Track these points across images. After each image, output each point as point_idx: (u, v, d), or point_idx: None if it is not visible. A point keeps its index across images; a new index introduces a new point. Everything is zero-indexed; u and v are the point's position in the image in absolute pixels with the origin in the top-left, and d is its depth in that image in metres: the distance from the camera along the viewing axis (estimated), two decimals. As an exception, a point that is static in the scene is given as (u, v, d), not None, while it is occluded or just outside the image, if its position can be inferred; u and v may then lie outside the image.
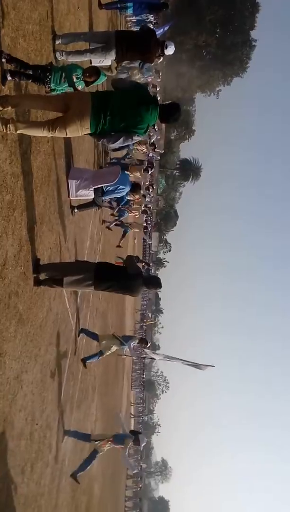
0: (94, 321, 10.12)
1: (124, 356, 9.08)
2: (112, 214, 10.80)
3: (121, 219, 10.83)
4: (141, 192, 10.55)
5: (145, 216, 12.09)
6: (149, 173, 12.34)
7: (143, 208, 11.94)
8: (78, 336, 7.51)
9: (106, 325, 13.63)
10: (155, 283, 5.12)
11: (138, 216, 11.62)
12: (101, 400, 11.95)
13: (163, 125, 55.80)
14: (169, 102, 3.95)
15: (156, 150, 14.22)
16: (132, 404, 33.04)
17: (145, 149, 11.95)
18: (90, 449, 7.39)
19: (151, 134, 12.78)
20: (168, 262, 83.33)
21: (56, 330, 5.73)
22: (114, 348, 8.10)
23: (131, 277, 4.90)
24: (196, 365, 11.57)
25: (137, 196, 9.39)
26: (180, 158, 71.53)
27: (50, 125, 3.54)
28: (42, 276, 4.63)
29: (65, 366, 6.59)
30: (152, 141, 12.94)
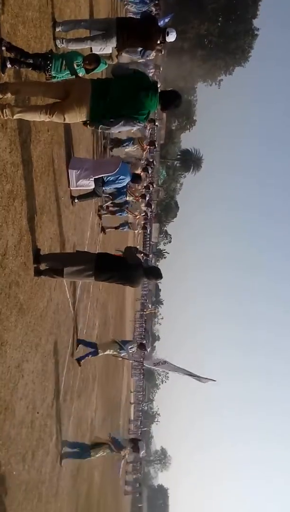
0: (94, 312, 10.15)
1: (120, 358, 8.87)
2: (110, 206, 10.48)
3: (118, 214, 10.47)
4: (142, 187, 10.35)
5: (145, 209, 11.66)
6: (150, 172, 12.06)
7: (143, 210, 11.56)
8: (76, 348, 7.41)
9: (107, 315, 13.68)
10: (156, 273, 5.12)
11: (138, 217, 11.16)
12: (101, 390, 12.04)
13: (164, 115, 55.39)
14: (170, 89, 3.91)
15: (155, 146, 13.88)
16: (132, 392, 33.32)
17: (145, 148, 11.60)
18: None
19: (150, 130, 12.54)
20: (168, 253, 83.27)
21: (56, 320, 5.75)
22: (111, 352, 8.11)
23: (132, 268, 4.89)
24: (198, 378, 11.66)
25: (139, 187, 9.33)
26: (181, 149, 71.05)
27: (48, 109, 3.50)
28: (43, 266, 4.63)
29: (65, 355, 6.62)
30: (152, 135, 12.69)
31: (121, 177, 6.89)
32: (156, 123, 12.98)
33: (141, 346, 8.81)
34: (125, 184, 7.50)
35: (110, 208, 10.26)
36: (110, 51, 7.44)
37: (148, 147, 11.19)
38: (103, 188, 6.92)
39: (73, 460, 6.99)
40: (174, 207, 75.31)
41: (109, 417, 15.03)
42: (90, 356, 7.84)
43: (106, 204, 10.02)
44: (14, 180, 3.81)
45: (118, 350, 8.00)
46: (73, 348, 7.28)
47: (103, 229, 10.31)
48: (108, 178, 6.78)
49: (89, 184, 6.39)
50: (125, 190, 8.68)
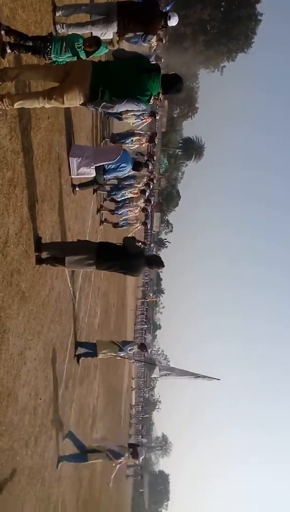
0: (96, 301, 10.19)
1: (119, 358, 8.52)
2: (111, 211, 10.16)
3: (122, 219, 10.21)
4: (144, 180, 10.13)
5: (144, 205, 11.29)
6: (149, 168, 11.61)
7: (142, 207, 11.20)
8: (76, 350, 7.26)
9: (108, 304, 13.74)
10: (158, 262, 5.13)
11: (138, 214, 10.79)
12: (103, 377, 12.15)
13: (166, 102, 54.77)
14: (171, 73, 3.84)
15: (155, 143, 13.30)
16: (133, 378, 33.70)
17: (145, 143, 11.27)
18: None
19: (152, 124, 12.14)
20: (169, 242, 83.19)
21: (58, 309, 5.78)
22: (110, 354, 7.84)
23: (133, 257, 4.89)
24: (203, 378, 11.73)
25: (141, 175, 9.20)
26: (182, 137, 70.48)
27: (47, 93, 3.44)
28: (44, 255, 4.63)
29: (67, 343, 6.67)
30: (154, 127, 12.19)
31: (123, 165, 6.84)
32: (157, 116, 12.53)
33: (142, 347, 8.35)
34: (126, 172, 7.44)
35: (110, 208, 10.13)
36: (111, 37, 7.32)
37: (147, 143, 10.86)
38: (104, 176, 6.88)
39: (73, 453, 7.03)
40: (175, 196, 74.93)
41: (111, 404, 15.21)
42: (89, 356, 7.66)
43: (106, 198, 9.87)
44: (14, 168, 3.79)
45: (118, 351, 7.74)
46: (75, 337, 7.33)
47: (101, 222, 10.29)
48: (109, 166, 6.73)
49: (90, 172, 6.35)
50: (125, 184, 8.54)
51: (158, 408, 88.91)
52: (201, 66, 55.23)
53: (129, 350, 7.78)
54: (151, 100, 3.73)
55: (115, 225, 10.35)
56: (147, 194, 10.67)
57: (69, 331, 6.80)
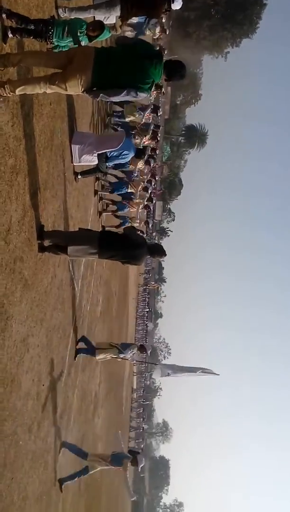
0: (98, 289, 10.23)
1: (120, 359, 8.32)
2: (111, 201, 9.95)
3: (120, 212, 9.93)
4: (145, 168, 9.89)
5: (147, 203, 10.91)
6: (151, 165, 11.00)
7: (144, 204, 10.64)
8: (77, 344, 7.17)
9: (110, 292, 13.79)
10: (160, 251, 5.13)
11: (140, 210, 10.45)
12: (105, 364, 12.26)
13: (169, 89, 54.05)
14: (174, 59, 3.77)
15: (158, 140, 12.52)
16: (134, 364, 34.02)
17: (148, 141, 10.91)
18: (84, 465, 6.97)
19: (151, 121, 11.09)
20: (171, 231, 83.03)
21: (61, 296, 5.81)
22: (109, 356, 7.68)
23: (135, 246, 4.90)
24: (203, 371, 11.74)
25: (140, 166, 9.09)
26: (185, 124, 69.76)
27: (49, 78, 3.40)
28: (46, 243, 4.63)
29: (70, 330, 6.72)
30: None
31: (125, 152, 6.79)
32: (159, 112, 12.04)
33: (141, 349, 8.11)
34: (128, 160, 7.38)
35: (111, 207, 9.89)
36: (114, 21, 7.20)
37: (150, 141, 10.41)
38: (107, 163, 6.83)
39: (78, 428, 7.14)
40: (178, 185, 74.52)
41: (112, 391, 15.37)
42: (87, 355, 7.47)
43: (106, 192, 9.63)
44: (16, 155, 3.77)
45: (117, 353, 7.55)
46: (77, 324, 7.38)
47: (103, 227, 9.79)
48: (112, 153, 6.67)
49: (92, 160, 6.31)
50: (127, 167, 8.40)
51: (159, 395, 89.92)
52: (204, 52, 54.35)
53: (129, 352, 7.61)
54: (152, 88, 3.67)
55: (118, 226, 10.05)
56: (149, 191, 10.44)
57: (71, 319, 6.85)
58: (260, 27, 48.15)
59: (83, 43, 3.83)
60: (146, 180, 10.74)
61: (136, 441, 28.39)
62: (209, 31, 47.22)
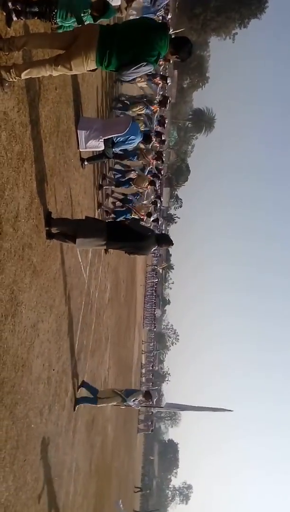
0: (106, 275, 10.27)
1: (124, 407, 7.95)
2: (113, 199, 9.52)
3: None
4: (152, 154, 9.63)
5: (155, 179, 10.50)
6: (157, 186, 10.40)
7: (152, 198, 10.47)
8: (78, 390, 6.64)
9: (118, 279, 13.85)
10: (167, 240, 5.18)
11: (144, 218, 9.67)
12: (113, 350, 12.40)
13: (176, 72, 53.14)
14: (180, 33, 3.69)
15: (163, 161, 11.39)
16: (143, 342, 34.36)
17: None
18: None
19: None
20: (179, 218, 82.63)
21: (69, 283, 5.85)
22: (113, 404, 7.31)
23: (143, 237, 4.95)
24: (214, 410, 11.48)
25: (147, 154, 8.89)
26: (192, 108, 68.76)
27: (54, 60, 3.35)
28: (54, 230, 4.65)
29: (79, 317, 6.78)
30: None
31: (132, 137, 6.71)
32: (168, 81, 11.55)
33: (147, 396, 7.44)
34: (135, 145, 7.30)
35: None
36: (119, 3, 7.07)
37: (154, 161, 9.79)
38: (113, 149, 6.78)
39: (88, 410, 7.24)
40: (185, 171, 73.82)
41: (121, 376, 15.56)
42: (88, 404, 6.99)
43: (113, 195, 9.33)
44: (23, 141, 3.76)
45: (120, 401, 7.10)
46: (86, 311, 7.44)
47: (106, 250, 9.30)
48: (118, 138, 6.61)
49: (98, 145, 6.26)
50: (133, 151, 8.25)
51: (167, 380, 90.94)
52: (212, 34, 53.10)
53: (133, 400, 7.16)
54: (159, 61, 3.58)
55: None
56: (157, 185, 10.00)
57: (80, 305, 6.90)
58: (269, 7, 46.84)
59: (87, 22, 3.76)
60: (150, 201, 10.32)
61: (144, 424, 28.86)
62: (216, 11, 46.07)
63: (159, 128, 10.89)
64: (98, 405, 7.13)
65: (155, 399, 8.78)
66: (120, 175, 8.93)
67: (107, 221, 7.10)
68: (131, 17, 7.99)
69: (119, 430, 14.64)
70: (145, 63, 3.44)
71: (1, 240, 3.36)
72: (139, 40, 3.38)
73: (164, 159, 12.81)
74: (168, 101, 10.57)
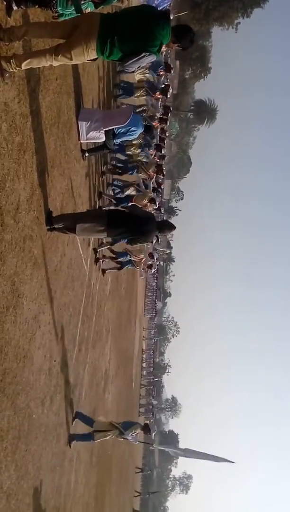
0: (107, 264, 10.27)
1: (121, 439, 7.46)
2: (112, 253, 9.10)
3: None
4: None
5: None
6: (157, 203, 9.30)
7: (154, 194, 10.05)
8: (72, 422, 6.31)
9: (119, 271, 13.83)
10: (168, 225, 5.14)
11: (144, 259, 9.15)
12: (114, 342, 12.45)
13: (177, 62, 52.58)
14: (181, 24, 3.63)
15: (164, 174, 10.83)
16: (144, 329, 34.36)
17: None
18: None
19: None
20: (180, 210, 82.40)
21: (70, 275, 5.86)
22: (110, 437, 6.92)
23: (143, 222, 4.88)
24: (217, 459, 11.19)
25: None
26: (194, 99, 68.19)
27: (54, 50, 3.31)
28: (56, 227, 4.66)
29: (80, 308, 6.80)
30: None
31: (133, 128, 6.67)
32: (172, 71, 11.23)
33: (146, 429, 7.09)
34: (136, 136, 7.25)
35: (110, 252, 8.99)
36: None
37: (154, 174, 9.37)
38: (114, 140, 6.74)
39: (89, 402, 7.26)
40: (186, 163, 73.48)
41: (122, 368, 15.65)
42: (84, 441, 6.64)
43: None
44: (23, 132, 3.74)
45: (118, 434, 6.75)
46: (87, 303, 7.46)
47: (103, 272, 9.07)
48: (119, 130, 6.57)
49: (99, 137, 6.22)
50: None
51: (168, 372, 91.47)
52: (214, 23, 52.41)
53: (131, 434, 6.77)
54: (161, 49, 3.53)
55: (119, 267, 9.37)
56: (157, 201, 9.11)
57: (81, 297, 6.92)
58: (273, -5, 46.14)
59: (89, 10, 3.71)
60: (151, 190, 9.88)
61: (146, 416, 29.14)
62: (218, 1, 45.43)
63: (159, 130, 10.56)
64: (95, 441, 6.74)
65: (154, 433, 8.20)
66: (119, 190, 8.79)
67: (108, 209, 7.03)
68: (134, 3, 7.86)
69: (120, 421, 14.73)
70: (147, 54, 3.40)
71: (3, 232, 3.36)
72: (141, 30, 3.33)
73: (165, 172, 12.45)
74: (169, 90, 10.37)
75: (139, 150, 8.52)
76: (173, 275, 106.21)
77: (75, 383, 6.48)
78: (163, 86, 9.83)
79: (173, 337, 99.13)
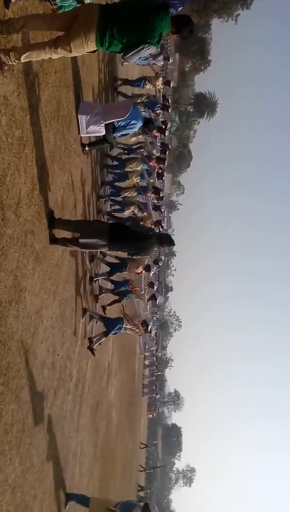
0: (109, 259, 10.26)
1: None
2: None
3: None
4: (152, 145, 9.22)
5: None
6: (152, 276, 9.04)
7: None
8: (66, 507, 5.73)
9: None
10: (168, 241, 5.25)
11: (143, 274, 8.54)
12: (117, 336, 12.47)
13: (177, 55, 52.17)
14: (181, 14, 3.60)
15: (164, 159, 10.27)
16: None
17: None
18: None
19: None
20: (181, 205, 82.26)
21: (72, 269, 5.86)
22: None
23: (144, 238, 5.00)
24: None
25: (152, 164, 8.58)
26: (194, 92, 67.69)
27: (53, 42, 3.29)
28: (57, 232, 4.70)
29: (82, 303, 6.82)
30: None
31: (133, 121, 6.63)
32: (170, 59, 10.92)
33: (146, 509, 5.99)
34: (136, 130, 7.21)
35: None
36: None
37: (152, 195, 9.10)
38: (114, 134, 6.70)
39: (92, 395, 7.28)
40: (187, 156, 73.07)
41: (125, 362, 15.71)
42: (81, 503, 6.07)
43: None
44: (23, 126, 3.72)
45: None
46: (89, 298, 7.46)
47: (103, 308, 8.59)
48: (119, 123, 6.52)
49: (99, 130, 6.19)
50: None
51: (170, 366, 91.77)
52: (213, 15, 51.90)
53: None
54: (161, 41, 3.51)
55: (117, 300, 8.69)
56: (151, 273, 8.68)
57: (83, 291, 6.93)
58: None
59: (88, 1, 3.68)
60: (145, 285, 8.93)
61: (149, 396, 29.13)
62: (218, -9, 44.99)
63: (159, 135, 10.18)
64: None
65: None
66: (119, 207, 8.75)
67: (109, 222, 7.11)
68: None
69: (123, 415, 14.84)
70: (147, 45, 3.38)
71: (4, 227, 3.35)
72: (140, 21, 3.31)
73: (163, 197, 11.87)
74: (167, 127, 10.30)
75: (138, 178, 8.45)
76: (175, 270, 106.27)
77: (78, 377, 6.50)
78: (161, 122, 9.75)
79: (175, 331, 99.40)
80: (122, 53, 3.43)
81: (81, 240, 4.80)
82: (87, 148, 6.54)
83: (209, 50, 61.33)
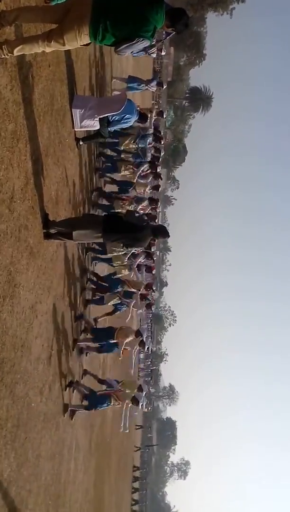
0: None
1: None
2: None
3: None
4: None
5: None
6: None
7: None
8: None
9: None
10: (163, 232, 5.22)
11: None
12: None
13: (172, 49, 51.92)
14: (176, 7, 3.56)
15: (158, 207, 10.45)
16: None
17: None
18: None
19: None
20: (176, 199, 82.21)
21: (67, 264, 5.84)
22: None
23: (139, 229, 4.97)
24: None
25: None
26: (189, 86, 67.49)
27: (46, 35, 3.25)
28: (52, 231, 4.68)
29: (77, 299, 6.81)
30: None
31: (127, 116, 6.59)
32: (163, 52, 10.69)
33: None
34: (130, 124, 7.16)
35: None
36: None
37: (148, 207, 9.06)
38: (109, 128, 6.66)
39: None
40: (182, 151, 72.91)
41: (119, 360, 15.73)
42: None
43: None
44: (17, 120, 3.68)
45: None
46: (83, 294, 7.44)
47: (95, 320, 8.07)
48: (114, 117, 6.49)
49: (94, 125, 6.15)
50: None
51: (165, 360, 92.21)
52: (209, 9, 51.62)
53: None
54: (155, 35, 3.48)
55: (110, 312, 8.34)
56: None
57: (78, 287, 6.92)
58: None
59: None
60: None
61: (144, 379, 29.28)
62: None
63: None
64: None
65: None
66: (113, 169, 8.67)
67: (103, 214, 7.06)
68: None
69: (118, 411, 14.88)
70: (141, 39, 3.35)
71: (-3, 221, 3.33)
72: (134, 14, 3.27)
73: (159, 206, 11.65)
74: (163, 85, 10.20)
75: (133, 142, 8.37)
76: (170, 265, 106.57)
77: (73, 373, 6.51)
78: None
79: (170, 326, 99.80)
80: (114, 47, 3.40)
81: (75, 232, 4.77)
82: (81, 143, 6.50)
83: (204, 44, 61.13)
